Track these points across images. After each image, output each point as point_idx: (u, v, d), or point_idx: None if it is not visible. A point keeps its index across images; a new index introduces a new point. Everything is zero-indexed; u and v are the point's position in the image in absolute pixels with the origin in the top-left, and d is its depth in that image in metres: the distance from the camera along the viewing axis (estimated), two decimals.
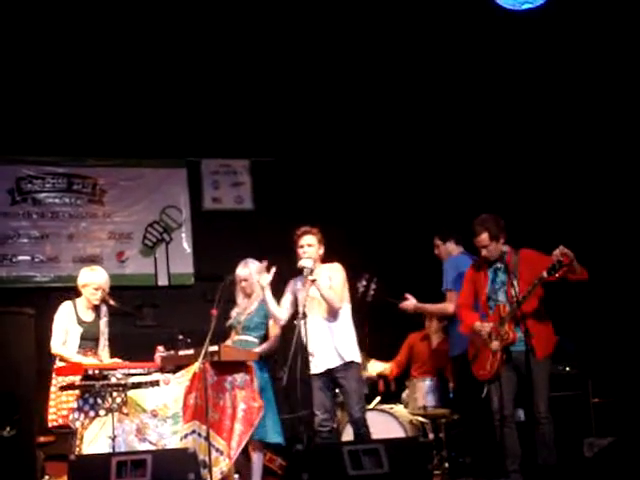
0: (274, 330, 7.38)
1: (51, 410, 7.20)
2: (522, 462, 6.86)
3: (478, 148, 10.28)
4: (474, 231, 6.97)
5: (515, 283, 6.78)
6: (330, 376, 7.02)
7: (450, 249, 7.74)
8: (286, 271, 7.22)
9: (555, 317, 6.97)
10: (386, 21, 9.22)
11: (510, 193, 9.67)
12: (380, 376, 9.18)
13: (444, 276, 7.59)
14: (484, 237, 6.93)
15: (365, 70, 9.87)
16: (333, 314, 7.08)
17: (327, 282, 7.09)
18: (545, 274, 6.56)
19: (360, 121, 10.38)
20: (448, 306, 7.53)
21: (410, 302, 7.63)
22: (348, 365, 7.02)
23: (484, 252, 6.96)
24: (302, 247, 7.14)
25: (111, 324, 7.76)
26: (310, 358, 6.85)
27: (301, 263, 7.03)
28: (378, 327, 9.54)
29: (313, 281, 7.00)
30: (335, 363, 7.00)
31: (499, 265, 6.97)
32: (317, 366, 6.97)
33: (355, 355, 7.09)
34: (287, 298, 7.25)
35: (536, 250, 6.89)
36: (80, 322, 7.50)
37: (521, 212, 9.00)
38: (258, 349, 7.29)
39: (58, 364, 7.38)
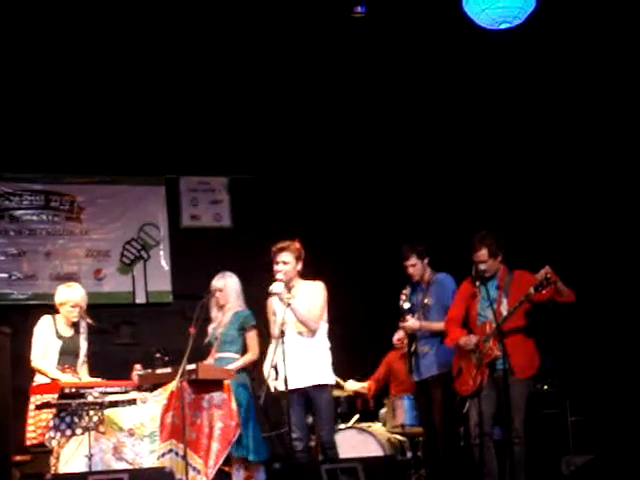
0: (252, 341, 7.38)
1: (30, 428, 7.16)
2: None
3: (457, 164, 10.32)
4: (473, 246, 7.02)
5: (505, 301, 6.84)
6: (303, 395, 7.00)
7: (425, 267, 7.72)
8: (265, 288, 7.19)
9: (533, 334, 6.99)
10: (368, 39, 9.24)
11: (493, 213, 9.69)
12: (358, 394, 9.18)
13: (446, 293, 7.54)
14: (483, 253, 6.99)
15: (342, 88, 9.90)
16: (309, 334, 7.06)
17: (306, 300, 7.08)
18: (532, 290, 6.63)
19: (338, 138, 10.40)
20: None
21: (415, 322, 7.55)
22: (320, 387, 6.99)
23: (481, 267, 6.98)
24: (277, 264, 7.13)
25: (89, 342, 7.74)
26: (271, 382, 6.87)
27: (271, 289, 7.01)
28: (358, 345, 9.59)
29: (288, 305, 6.98)
30: (307, 383, 6.97)
31: (492, 282, 7.01)
32: (292, 383, 6.92)
33: (328, 378, 7.07)
34: (273, 320, 7.23)
35: (529, 272, 6.92)
36: (59, 336, 7.49)
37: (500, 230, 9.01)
38: (236, 364, 7.29)
39: (36, 381, 7.35)
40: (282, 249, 7.14)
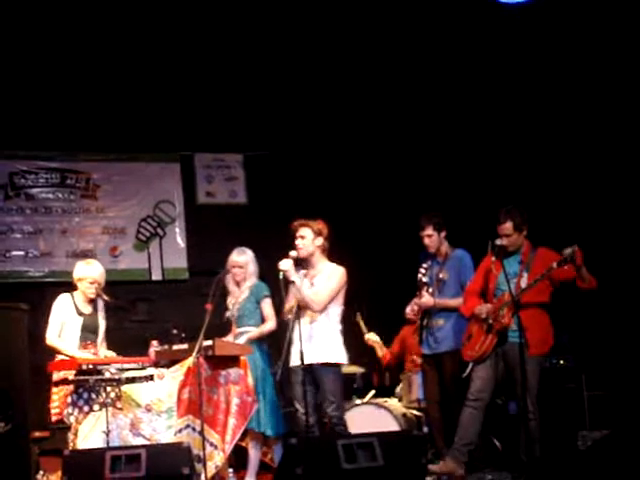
0: (267, 310, 7.38)
1: (54, 404, 7.19)
2: (511, 456, 6.93)
3: (474, 142, 10.27)
4: (498, 219, 7.02)
5: (525, 275, 6.85)
6: (311, 372, 7.00)
7: (442, 239, 7.69)
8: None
9: (549, 310, 6.99)
10: (379, 14, 9.19)
11: (513, 190, 9.63)
12: (371, 348, 9.19)
13: (464, 269, 7.53)
14: (508, 226, 6.99)
15: (358, 64, 9.85)
16: (319, 313, 7.07)
17: (324, 282, 7.08)
18: (555, 264, 6.63)
19: (353, 114, 10.36)
20: None
21: (429, 298, 7.54)
22: (326, 365, 6.99)
23: (505, 241, 6.98)
24: (296, 238, 7.15)
25: (106, 319, 7.77)
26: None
27: (279, 266, 7.00)
28: (373, 320, 9.60)
29: (293, 282, 6.99)
30: (313, 361, 6.96)
31: (514, 257, 7.02)
32: (294, 360, 6.97)
33: (335, 356, 7.05)
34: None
35: (553, 250, 6.91)
36: (80, 313, 7.50)
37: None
38: (253, 333, 7.29)
39: (57, 358, 7.39)
40: (302, 224, 7.17)
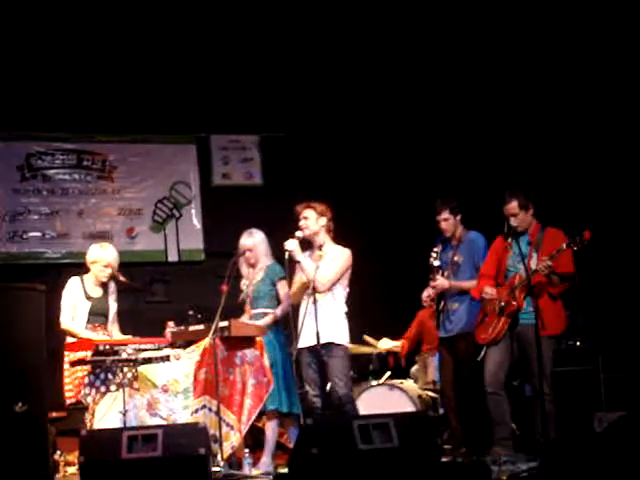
0: (282, 291, 7.40)
1: (67, 387, 7.24)
2: (527, 438, 6.92)
3: (486, 125, 10.23)
4: (504, 199, 7.05)
5: (535, 256, 6.84)
6: (315, 354, 7.01)
7: (457, 223, 7.69)
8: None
9: (565, 291, 6.98)
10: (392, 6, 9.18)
11: (526, 171, 9.61)
12: (390, 352, 9.21)
13: (478, 251, 7.52)
14: (513, 205, 7.01)
15: (374, 46, 9.83)
16: (323, 294, 7.09)
17: (329, 263, 7.13)
18: (564, 245, 6.63)
19: (369, 97, 10.34)
20: None
21: (445, 281, 7.53)
22: (330, 345, 7.00)
23: (513, 221, 6.99)
24: (300, 220, 7.23)
25: (121, 300, 7.79)
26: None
27: (285, 246, 7.06)
28: (390, 303, 9.60)
29: (298, 262, 7.09)
30: (315, 342, 6.95)
31: (523, 238, 7.02)
32: (304, 341, 7.03)
33: (336, 337, 7.06)
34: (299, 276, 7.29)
35: (562, 230, 6.91)
36: (88, 297, 7.53)
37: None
38: (269, 317, 7.31)
39: (69, 340, 7.42)
40: (305, 206, 7.27)
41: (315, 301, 6.98)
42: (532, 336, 6.63)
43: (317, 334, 6.83)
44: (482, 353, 7.06)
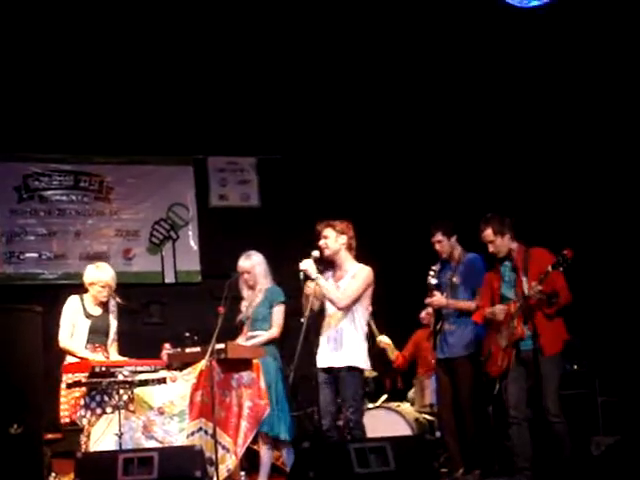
0: (276, 316, 7.38)
1: (63, 407, 7.22)
2: (533, 459, 6.90)
3: (483, 146, 10.24)
4: (479, 229, 7.08)
5: (525, 280, 6.84)
6: (333, 375, 6.96)
7: (453, 245, 7.70)
8: (294, 267, 7.18)
9: (562, 314, 6.97)
10: (390, 17, 9.19)
11: (515, 192, 9.63)
12: (382, 351, 9.16)
13: (475, 274, 7.51)
14: (488, 232, 7.05)
15: (371, 67, 9.85)
16: (344, 315, 7.02)
17: (349, 281, 7.06)
18: (550, 268, 6.62)
19: (366, 118, 10.37)
20: None
21: (442, 298, 7.52)
22: (351, 370, 6.93)
23: (490, 248, 7.06)
24: (320, 239, 7.14)
25: (118, 322, 7.78)
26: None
27: (300, 266, 6.97)
28: (387, 322, 9.59)
29: (312, 279, 6.96)
30: (338, 364, 6.92)
31: (507, 263, 7.02)
32: (320, 361, 6.96)
33: (357, 361, 6.98)
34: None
35: (548, 250, 6.92)
36: (88, 315, 7.50)
37: (523, 211, 8.96)
38: (257, 340, 7.30)
39: (67, 361, 7.40)
40: (326, 225, 7.15)
41: (338, 325, 6.93)
42: (536, 360, 6.68)
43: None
44: (497, 387, 7.05)
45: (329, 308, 7.03)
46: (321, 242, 7.13)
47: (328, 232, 7.12)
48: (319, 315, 7.03)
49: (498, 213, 7.15)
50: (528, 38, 9.17)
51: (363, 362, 7.03)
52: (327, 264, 7.16)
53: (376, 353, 9.13)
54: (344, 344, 6.94)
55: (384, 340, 9.22)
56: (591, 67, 9.22)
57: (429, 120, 10.39)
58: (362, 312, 7.07)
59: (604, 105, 9.30)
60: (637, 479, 6.66)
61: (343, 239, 7.11)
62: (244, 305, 7.57)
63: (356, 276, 7.06)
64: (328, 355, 6.93)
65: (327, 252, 7.10)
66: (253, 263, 7.51)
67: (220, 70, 9.85)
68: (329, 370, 6.94)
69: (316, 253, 7.03)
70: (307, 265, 6.93)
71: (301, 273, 6.94)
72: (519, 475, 6.90)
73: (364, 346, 7.05)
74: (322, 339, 6.96)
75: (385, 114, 10.37)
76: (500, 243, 7.03)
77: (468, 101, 10.13)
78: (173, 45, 9.49)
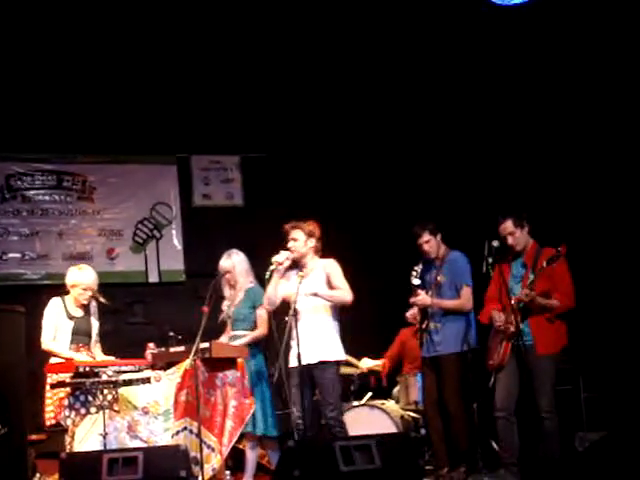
0: (260, 319, 7.37)
1: (48, 408, 7.20)
2: (521, 455, 6.93)
3: (466, 143, 10.26)
4: (498, 221, 7.09)
5: (531, 277, 6.86)
6: (308, 372, 6.95)
7: (439, 243, 7.69)
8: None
9: (565, 319, 7.02)
10: (378, 16, 9.18)
11: (498, 190, 9.64)
12: (372, 372, 9.18)
13: (460, 271, 7.51)
14: (509, 224, 7.06)
15: (355, 66, 9.85)
16: (321, 311, 7.05)
17: (321, 275, 7.08)
18: (544, 264, 6.70)
19: (351, 116, 10.37)
20: (466, 303, 7.47)
21: (427, 297, 7.51)
22: (324, 364, 6.95)
23: (510, 240, 7.05)
24: (289, 241, 7.16)
25: (102, 321, 7.77)
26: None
27: (274, 258, 7.02)
28: (372, 323, 9.59)
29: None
30: (311, 360, 6.92)
31: (520, 258, 7.07)
32: (292, 361, 6.95)
33: (333, 354, 7.02)
34: (282, 287, 7.20)
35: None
36: (70, 317, 7.50)
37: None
38: (244, 339, 7.30)
39: (50, 361, 7.38)
40: (293, 227, 7.17)
41: (311, 320, 6.94)
42: (530, 357, 6.74)
43: (298, 355, 6.80)
44: (492, 379, 7.07)
45: (300, 305, 7.00)
46: (290, 244, 7.14)
47: (297, 234, 7.15)
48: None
49: (516, 206, 7.20)
50: (519, 34, 9.18)
51: (338, 354, 7.06)
52: (293, 263, 7.16)
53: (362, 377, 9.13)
54: (318, 338, 6.95)
55: (366, 365, 9.16)
56: (579, 64, 9.22)
57: (412, 119, 10.40)
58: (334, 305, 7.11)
59: (603, 103, 9.29)
60: (621, 475, 6.68)
61: (312, 242, 7.15)
62: (225, 305, 7.57)
63: (332, 272, 7.09)
64: (302, 352, 6.86)
65: (295, 255, 7.10)
66: (234, 262, 7.53)
67: (204, 69, 9.83)
68: (304, 368, 6.90)
69: (288, 254, 7.05)
70: (281, 258, 6.96)
71: (273, 265, 6.95)
72: (505, 470, 6.93)
73: (337, 337, 7.10)
74: (293, 337, 6.90)
75: (368, 113, 10.36)
76: (520, 235, 7.06)
77: (451, 99, 10.14)
78: (157, 45, 9.46)
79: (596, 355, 8.88)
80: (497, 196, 9.35)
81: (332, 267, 7.13)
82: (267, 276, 7.01)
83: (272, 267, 6.98)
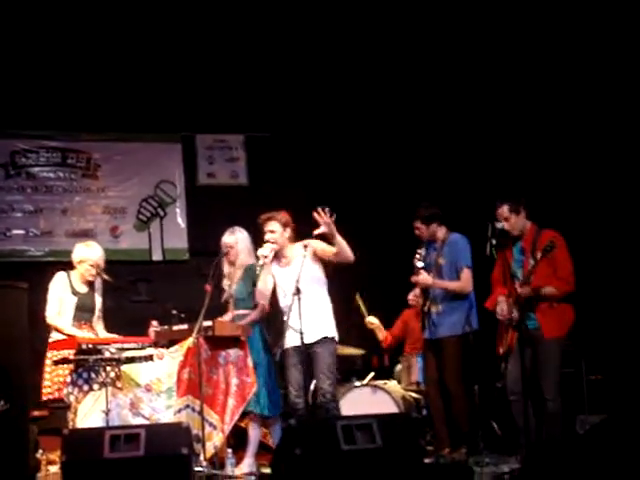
0: (260, 297, 7.39)
1: (46, 383, 7.23)
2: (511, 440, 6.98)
3: (467, 128, 10.23)
4: (495, 206, 7.10)
5: (531, 262, 6.86)
6: (304, 351, 6.97)
7: (434, 230, 7.69)
8: None
9: (570, 301, 7.03)
10: (381, 3, 9.17)
11: (508, 172, 9.62)
12: (372, 330, 9.21)
13: (459, 253, 7.54)
14: (504, 210, 7.07)
15: (361, 47, 9.82)
16: (318, 290, 7.10)
17: (306, 259, 7.06)
18: (540, 255, 6.72)
19: (356, 96, 10.34)
20: (466, 285, 7.50)
21: (428, 277, 7.53)
22: (320, 341, 6.99)
23: (506, 225, 7.06)
24: (266, 233, 7.18)
25: (105, 299, 7.78)
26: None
27: (259, 252, 7.09)
28: (376, 302, 9.59)
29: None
30: (310, 338, 6.95)
31: (519, 242, 7.09)
32: (291, 341, 6.98)
33: (328, 331, 7.07)
34: (270, 280, 7.27)
35: (559, 232, 6.95)
36: (74, 292, 7.52)
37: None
38: (247, 319, 7.31)
39: (53, 337, 7.40)
40: (269, 218, 7.20)
41: (305, 299, 6.92)
42: (536, 341, 6.84)
43: (301, 335, 6.82)
44: (502, 365, 7.09)
45: (292, 286, 6.98)
46: (268, 237, 7.16)
47: (274, 226, 7.17)
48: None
49: (514, 192, 7.21)
50: (517, 22, 9.16)
51: (332, 331, 7.11)
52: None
53: (365, 333, 9.20)
54: (314, 316, 6.98)
55: (372, 321, 9.25)
56: (586, 48, 9.19)
57: (417, 99, 10.37)
58: (325, 282, 7.18)
59: (604, 87, 9.27)
60: (622, 458, 6.69)
61: (288, 232, 7.20)
62: (226, 284, 7.57)
63: (310, 245, 7.08)
64: (294, 333, 6.91)
65: (275, 247, 7.14)
66: (237, 238, 7.53)
67: (208, 48, 9.81)
68: (296, 348, 6.94)
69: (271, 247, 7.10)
70: (267, 251, 7.02)
71: (261, 259, 7.01)
72: (520, 451, 6.96)
73: (330, 316, 7.15)
74: (289, 317, 6.94)
75: (373, 92, 10.34)
76: (515, 221, 7.06)
77: (453, 85, 10.12)
78: (161, 23, 9.46)
79: (599, 338, 8.88)
80: (499, 178, 9.32)
81: (310, 243, 7.10)
82: (258, 271, 7.06)
83: (260, 262, 7.02)
